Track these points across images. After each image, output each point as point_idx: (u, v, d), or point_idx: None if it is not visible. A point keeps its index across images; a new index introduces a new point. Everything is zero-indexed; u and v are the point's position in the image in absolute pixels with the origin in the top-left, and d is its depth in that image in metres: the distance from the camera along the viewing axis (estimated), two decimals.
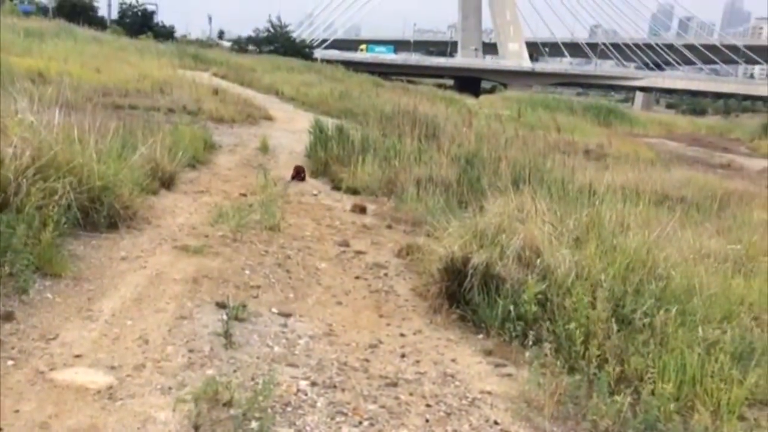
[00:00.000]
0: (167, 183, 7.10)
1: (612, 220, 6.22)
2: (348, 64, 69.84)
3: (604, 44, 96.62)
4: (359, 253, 5.77)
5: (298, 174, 10.07)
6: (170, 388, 3.22)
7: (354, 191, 9.26)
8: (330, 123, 15.12)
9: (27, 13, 58.00)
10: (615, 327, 3.76)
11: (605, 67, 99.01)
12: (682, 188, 12.82)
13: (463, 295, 4.37)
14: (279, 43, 68.95)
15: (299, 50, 68.79)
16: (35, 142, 4.54)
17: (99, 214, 4.82)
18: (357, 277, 5.05)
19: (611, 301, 3.96)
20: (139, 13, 70.30)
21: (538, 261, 4.24)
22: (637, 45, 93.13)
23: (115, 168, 5.13)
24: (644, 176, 13.00)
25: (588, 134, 27.23)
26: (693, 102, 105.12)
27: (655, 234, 5.21)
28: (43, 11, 66.16)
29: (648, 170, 14.87)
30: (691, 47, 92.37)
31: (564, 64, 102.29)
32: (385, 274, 5.17)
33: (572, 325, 3.79)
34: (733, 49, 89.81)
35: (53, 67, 18.52)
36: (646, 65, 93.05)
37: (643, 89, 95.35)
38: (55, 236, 4.06)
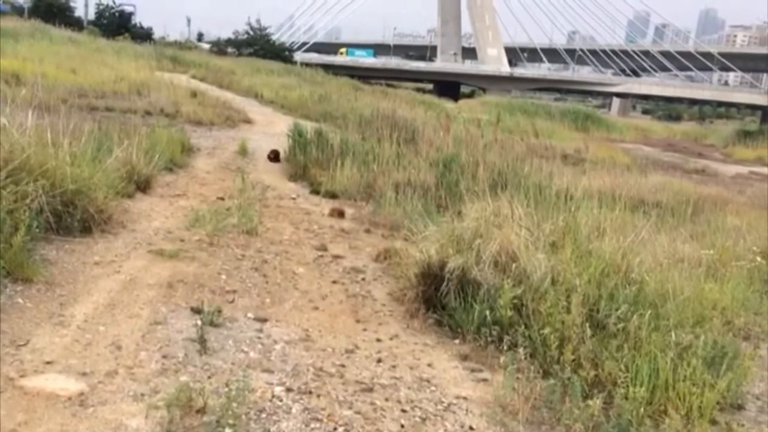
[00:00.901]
0: (143, 186, 7.02)
1: (588, 225, 6.29)
2: (328, 68, 69.74)
3: (582, 50, 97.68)
4: (337, 257, 5.75)
5: (276, 157, 11.81)
6: (143, 395, 3.17)
7: (333, 195, 9.25)
8: (309, 126, 15.09)
9: (1, 13, 57.22)
10: (589, 332, 3.79)
11: (583, 73, 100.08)
12: (658, 193, 12.99)
13: (440, 299, 4.38)
14: (259, 45, 68.64)
15: (279, 53, 68.49)
16: (7, 144, 4.46)
17: (72, 218, 4.75)
18: (334, 282, 5.04)
19: (586, 306, 3.99)
20: (117, 15, 69.51)
21: (514, 266, 4.26)
22: (614, 51, 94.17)
23: (89, 171, 5.06)
24: (620, 181, 13.15)
25: (566, 139, 27.55)
26: (669, 108, 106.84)
27: (630, 239, 5.26)
28: (18, 11, 65.21)
29: (624, 175, 15.04)
30: (666, 54, 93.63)
31: (542, 70, 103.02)
32: (363, 279, 5.16)
33: (547, 330, 3.82)
34: (708, 56, 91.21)
35: (28, 68, 18.26)
36: (623, 71, 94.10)
37: (619, 95, 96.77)
38: (27, 240, 3.99)
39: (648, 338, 3.81)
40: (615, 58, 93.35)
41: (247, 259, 5.10)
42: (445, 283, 4.22)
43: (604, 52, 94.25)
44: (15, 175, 4.31)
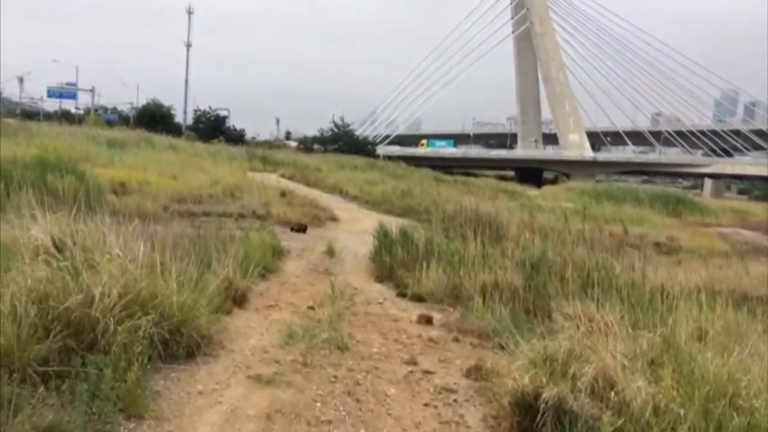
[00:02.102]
0: (239, 300, 7.33)
1: (687, 329, 6.00)
2: (409, 160, 71.57)
3: (668, 132, 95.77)
4: (427, 373, 5.73)
5: (300, 229, 14.76)
6: None
7: (419, 298, 9.27)
8: (393, 222, 15.38)
9: (110, 123, 62.64)
10: None
11: (670, 155, 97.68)
12: (762, 286, 12.21)
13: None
14: (343, 141, 71.29)
15: (362, 147, 70.87)
16: (122, 277, 4.83)
17: (178, 346, 5.02)
18: (426, 405, 5.00)
19: None
20: (212, 119, 74.34)
21: (613, 393, 4.13)
22: (702, 132, 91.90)
23: (193, 298, 5.37)
24: (720, 274, 12.55)
25: (657, 226, 26.65)
26: (767, 187, 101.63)
27: (736, 353, 4.98)
28: (124, 120, 71.14)
29: (723, 265, 14.35)
30: (759, 132, 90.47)
31: (627, 153, 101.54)
32: (455, 401, 5.10)
33: None
34: None
35: (134, 176, 19.76)
36: (713, 151, 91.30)
37: (711, 176, 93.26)
38: (140, 375, 4.24)
39: None
40: (704, 138, 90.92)
41: (339, 381, 5.17)
42: (540, 415, 4.12)
43: (691, 132, 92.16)
44: (129, 308, 4.65)
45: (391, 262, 11.05)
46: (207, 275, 6.69)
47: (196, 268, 6.23)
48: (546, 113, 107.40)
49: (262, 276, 9.33)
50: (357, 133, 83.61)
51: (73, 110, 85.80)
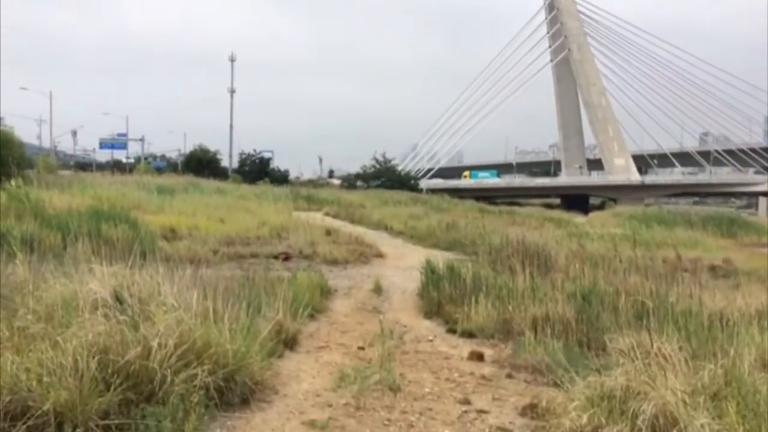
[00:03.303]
0: (290, 343, 7.39)
1: (750, 358, 5.79)
2: (453, 192, 71.51)
3: (717, 151, 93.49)
4: (481, 412, 5.65)
5: (287, 257, 15.11)
6: None
7: (469, 334, 9.18)
8: (439, 256, 15.32)
9: (159, 170, 64.59)
10: None
11: (721, 175, 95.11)
12: None
13: None
14: (385, 176, 71.84)
15: (405, 182, 71.26)
16: (177, 328, 4.96)
17: (233, 393, 5.08)
18: None
19: None
20: (257, 161, 75.94)
21: (675, 431, 4.00)
22: (753, 149, 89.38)
23: (246, 344, 5.46)
24: None
25: (711, 248, 25.81)
26: None
27: None
28: (173, 166, 73.26)
29: None
30: None
31: (676, 175, 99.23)
32: None
33: None
34: None
35: (183, 221, 20.25)
36: (766, 169, 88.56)
37: (766, 194, 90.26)
38: (197, 424, 4.32)
39: None
40: (755, 155, 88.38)
41: (393, 424, 5.14)
42: None
43: (741, 150, 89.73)
44: (185, 358, 4.76)
45: (439, 298, 11.00)
46: (258, 319, 6.78)
47: (246, 312, 6.32)
48: (589, 139, 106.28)
49: (311, 316, 9.39)
50: (399, 168, 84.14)
51: (124, 159, 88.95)
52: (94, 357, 4.52)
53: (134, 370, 4.61)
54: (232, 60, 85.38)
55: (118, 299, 5.26)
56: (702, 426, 3.95)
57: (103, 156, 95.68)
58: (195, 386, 4.63)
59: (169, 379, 4.57)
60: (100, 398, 4.34)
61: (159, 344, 4.71)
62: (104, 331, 4.83)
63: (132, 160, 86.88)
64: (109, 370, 4.52)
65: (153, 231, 16.76)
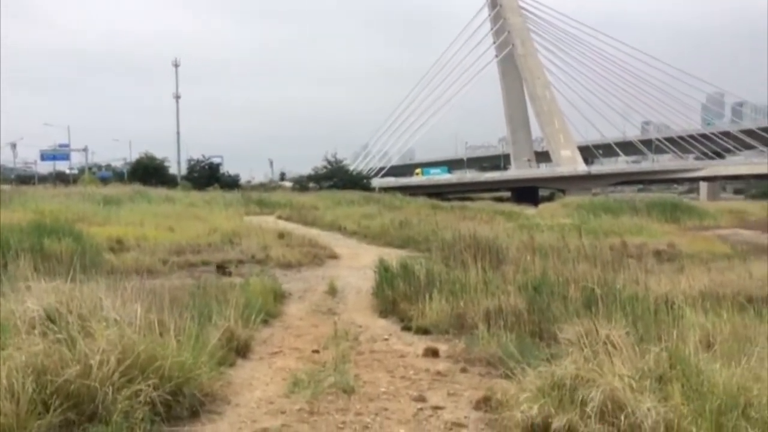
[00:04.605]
0: (242, 350, 7.27)
1: (695, 339, 5.95)
2: (405, 189, 71.88)
3: (658, 139, 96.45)
4: (437, 408, 5.66)
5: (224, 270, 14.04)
6: None
7: (424, 330, 9.21)
8: (393, 255, 15.34)
9: (104, 180, 62.99)
10: None
11: (663, 162, 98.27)
12: (766, 286, 12.10)
13: None
14: (337, 177, 71.66)
15: (357, 182, 71.19)
16: (120, 343, 4.80)
17: (181, 407, 4.95)
18: None
19: None
20: (206, 167, 74.80)
21: (623, 416, 4.08)
22: (692, 136, 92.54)
23: (194, 355, 5.33)
24: (723, 278, 12.47)
25: (656, 234, 26.55)
26: (762, 185, 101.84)
27: (745, 360, 4.94)
28: (119, 176, 71.49)
29: (725, 268, 14.27)
30: (748, 132, 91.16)
31: (620, 164, 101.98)
32: None
33: None
34: None
35: (130, 232, 19.74)
36: (705, 155, 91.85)
37: (706, 179, 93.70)
38: None
39: None
40: (694, 142, 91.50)
41: (348, 427, 5.09)
42: None
43: (681, 138, 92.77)
44: (128, 374, 4.61)
45: (393, 296, 11.00)
46: (208, 328, 6.65)
47: (195, 322, 6.18)
48: (536, 131, 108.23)
49: (265, 322, 9.27)
50: (351, 168, 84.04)
51: (67, 171, 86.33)
52: (30, 378, 4.34)
53: (74, 390, 4.45)
54: (176, 65, 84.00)
55: (49, 318, 5.07)
56: (648, 409, 4.03)
57: (45, 168, 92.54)
58: (140, 402, 4.49)
59: (111, 396, 4.42)
60: (39, 420, 4.18)
61: (100, 361, 4.55)
62: (41, 351, 4.65)
63: (75, 171, 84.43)
64: (48, 391, 4.35)
65: (99, 243, 16.27)
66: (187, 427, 4.89)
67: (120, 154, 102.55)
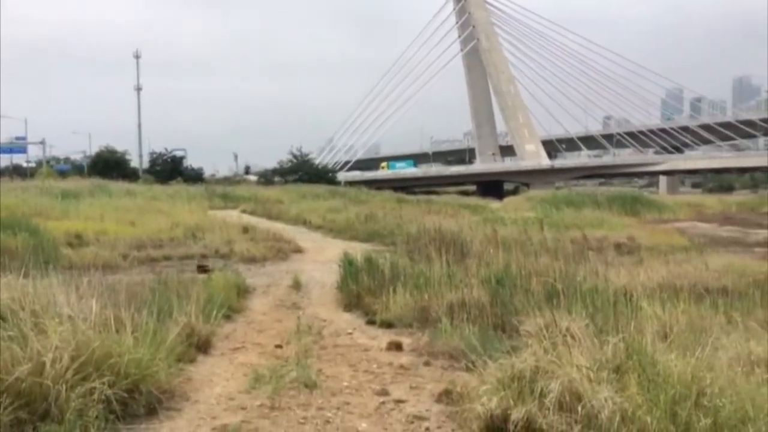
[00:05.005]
0: (203, 346, 7.18)
1: (652, 330, 6.07)
2: (371, 183, 71.85)
3: (619, 134, 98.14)
4: (399, 402, 5.68)
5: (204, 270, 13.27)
6: None
7: (388, 324, 9.23)
8: (358, 249, 15.32)
9: (63, 173, 61.54)
10: None
11: (624, 156, 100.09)
12: (722, 277, 12.42)
13: None
14: (303, 171, 71.38)
15: (323, 176, 70.99)
16: (74, 340, 4.69)
17: (138, 404, 4.86)
18: None
19: None
20: (169, 160, 73.70)
21: (580, 406, 4.14)
22: (651, 131, 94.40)
23: (151, 352, 5.24)
24: (680, 270, 12.75)
25: (616, 227, 27.00)
26: (718, 179, 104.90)
27: (699, 350, 5.06)
28: (78, 169, 69.91)
29: (683, 261, 14.58)
30: (706, 127, 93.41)
31: (583, 158, 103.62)
32: (427, 429, 5.05)
33: None
34: (750, 123, 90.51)
35: (90, 226, 19.35)
36: (665, 149, 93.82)
37: (665, 173, 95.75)
38: None
39: None
40: (654, 137, 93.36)
41: (309, 422, 5.07)
42: None
43: (641, 132, 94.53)
44: (82, 371, 4.51)
45: (358, 290, 10.99)
46: (168, 324, 6.54)
47: (154, 318, 6.08)
48: (501, 126, 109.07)
49: (228, 317, 9.18)
50: (317, 162, 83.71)
51: (24, 164, 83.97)
52: None
53: (26, 388, 4.34)
54: (137, 56, 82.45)
55: (0, 315, 4.92)
56: (605, 400, 4.10)
57: (2, 162, 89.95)
58: (94, 400, 4.40)
59: (64, 394, 4.32)
60: None
61: (53, 358, 4.44)
62: None
63: (33, 165, 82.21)
64: None
65: (56, 238, 15.93)
66: (144, 424, 4.81)
67: (79, 147, 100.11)
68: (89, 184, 40.15)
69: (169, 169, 69.39)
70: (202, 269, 13.58)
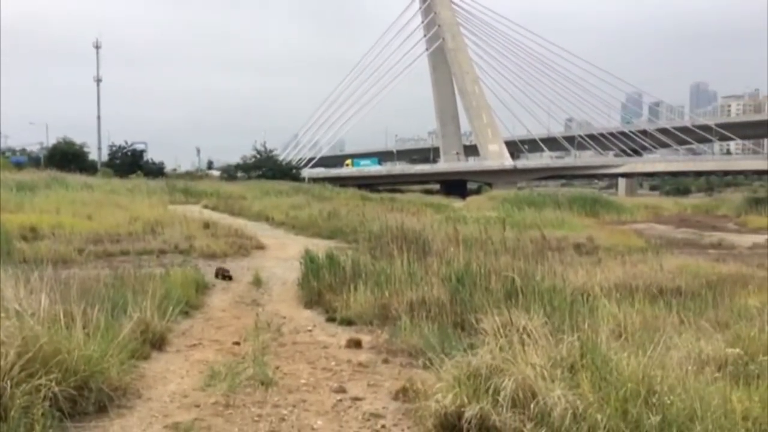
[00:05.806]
0: (158, 343, 7.05)
1: (607, 329, 6.18)
2: (335, 180, 71.70)
3: (581, 136, 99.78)
4: (356, 400, 5.67)
5: (223, 276, 12.78)
6: None
7: (349, 321, 9.21)
8: (321, 245, 15.25)
9: (19, 165, 59.80)
10: None
11: (585, 158, 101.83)
12: (676, 278, 12.74)
13: None
14: (267, 167, 70.84)
15: (287, 172, 70.55)
16: (20, 335, 4.56)
17: (87, 402, 4.74)
18: None
19: None
20: (129, 154, 72.40)
21: (533, 404, 4.19)
22: (612, 134, 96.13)
23: (102, 349, 5.12)
24: (636, 270, 13.01)
25: (576, 227, 27.45)
26: (675, 182, 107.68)
27: (651, 349, 5.16)
28: (35, 161, 68.10)
29: (639, 261, 14.88)
30: (664, 131, 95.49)
31: (545, 159, 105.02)
32: (383, 426, 5.05)
33: None
34: (706, 128, 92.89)
35: (45, 220, 18.86)
36: (624, 152, 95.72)
37: (624, 175, 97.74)
38: None
39: None
40: (614, 140, 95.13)
41: (264, 420, 5.02)
42: None
43: (602, 135, 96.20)
44: (29, 367, 4.38)
45: (319, 287, 10.95)
46: (122, 320, 6.41)
47: (108, 314, 5.95)
48: (465, 125, 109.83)
49: (186, 313, 9.05)
50: (281, 158, 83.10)
51: None
52: None
53: None
54: (97, 47, 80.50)
55: None
56: (558, 397, 4.16)
57: None
58: (40, 397, 4.28)
59: (9, 391, 4.19)
60: None
61: None
62: None
63: None
64: None
65: (10, 231, 15.47)
66: (93, 422, 4.70)
67: (37, 139, 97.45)
68: (45, 177, 39.15)
69: (128, 163, 68.15)
70: (224, 275, 12.93)
